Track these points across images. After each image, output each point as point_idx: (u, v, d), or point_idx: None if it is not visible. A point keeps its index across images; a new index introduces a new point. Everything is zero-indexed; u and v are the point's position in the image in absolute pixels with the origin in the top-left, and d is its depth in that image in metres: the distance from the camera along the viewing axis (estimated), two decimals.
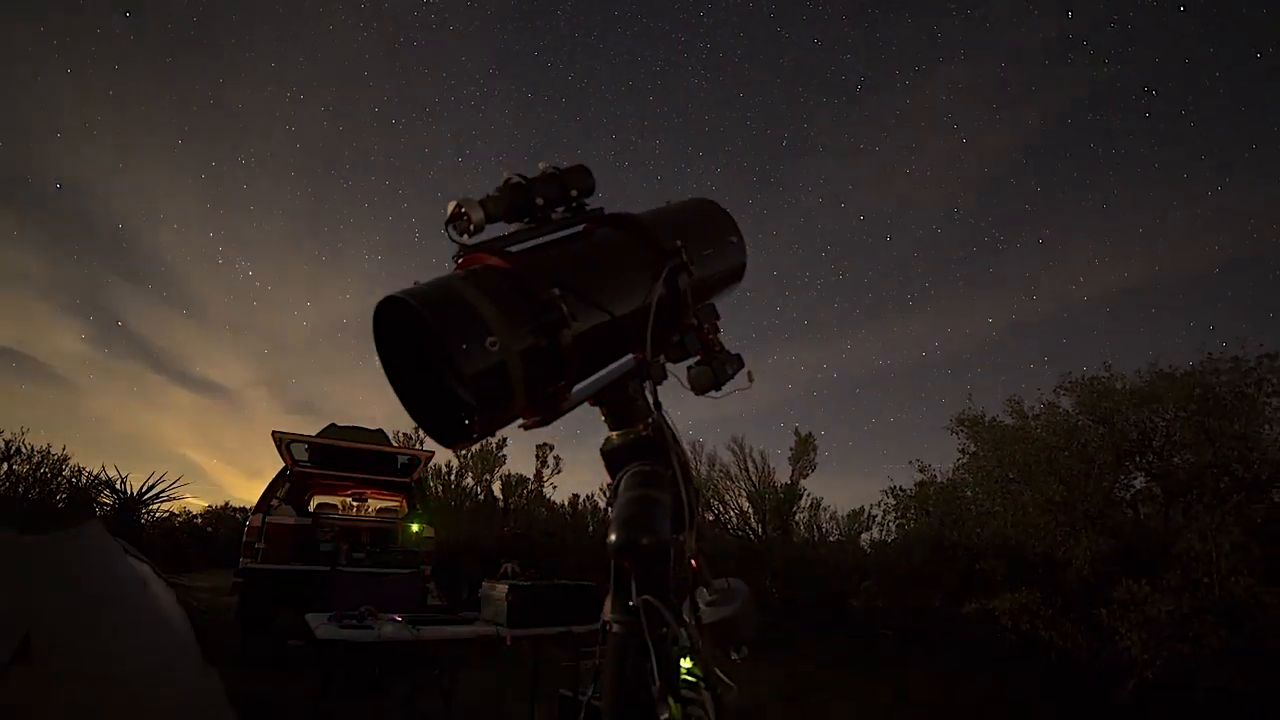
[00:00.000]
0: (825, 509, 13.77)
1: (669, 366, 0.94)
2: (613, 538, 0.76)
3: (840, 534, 13.57)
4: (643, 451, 0.88)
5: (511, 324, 0.72)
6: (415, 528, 7.83)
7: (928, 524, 9.17)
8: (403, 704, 4.96)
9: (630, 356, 0.89)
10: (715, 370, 0.95)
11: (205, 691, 3.50)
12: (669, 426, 0.89)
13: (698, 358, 0.96)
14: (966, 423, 8.53)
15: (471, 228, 0.78)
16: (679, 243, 0.92)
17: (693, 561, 0.89)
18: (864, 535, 13.34)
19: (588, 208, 0.92)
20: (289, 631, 6.54)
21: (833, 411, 25.69)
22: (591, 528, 15.28)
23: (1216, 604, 5.68)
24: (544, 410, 0.81)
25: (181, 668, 3.55)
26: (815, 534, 13.68)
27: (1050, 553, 6.87)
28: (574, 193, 0.90)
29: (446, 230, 0.79)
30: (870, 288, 24.68)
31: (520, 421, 0.81)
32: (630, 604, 0.75)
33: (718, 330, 1.00)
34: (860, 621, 10.36)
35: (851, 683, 7.19)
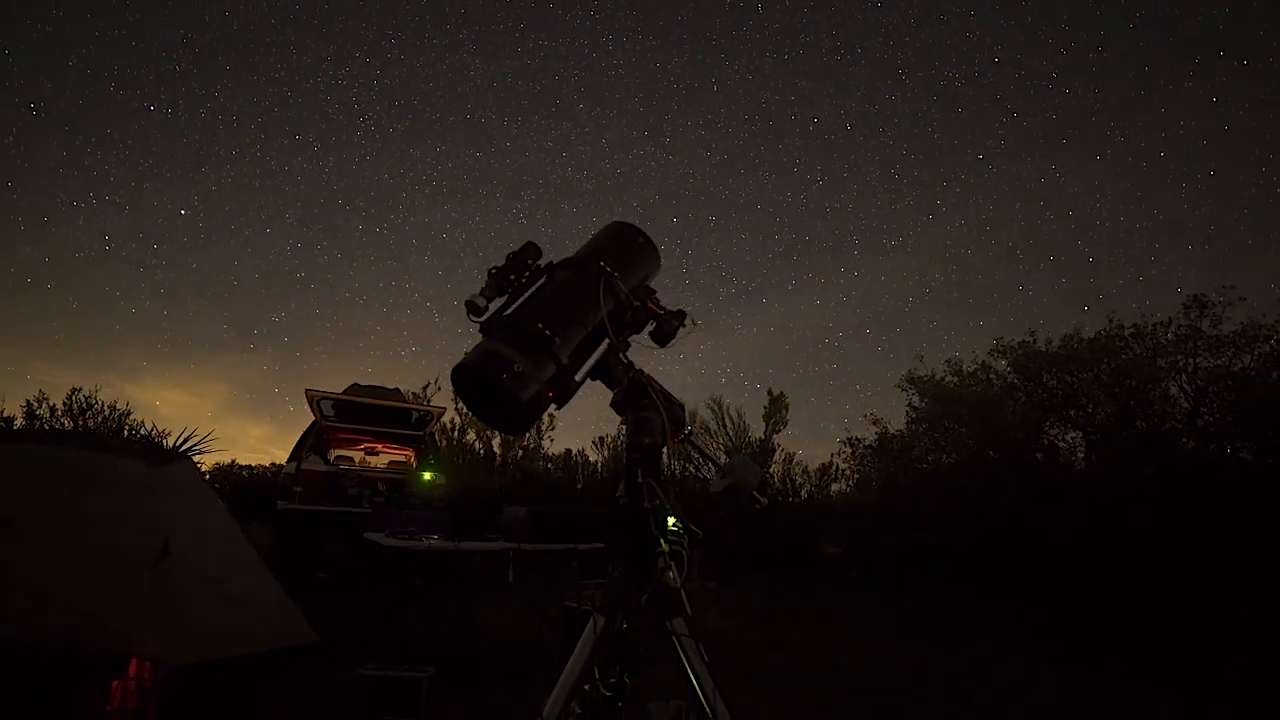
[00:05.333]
0: (798, 463, 14.95)
1: (634, 338, 1.27)
2: (626, 440, 1.12)
3: (811, 487, 14.75)
4: (634, 395, 1.20)
5: (522, 353, 1.08)
6: (428, 476, 8.71)
7: (880, 471, 10.30)
8: (431, 619, 5.89)
9: (606, 341, 1.22)
10: (664, 327, 1.24)
11: (278, 595, 4.44)
12: (645, 376, 1.22)
13: (653, 324, 1.26)
14: (915, 381, 9.59)
15: (480, 309, 1.18)
16: (602, 262, 1.25)
17: (679, 437, 1.22)
18: (833, 486, 14.54)
19: (542, 266, 1.28)
20: (318, 565, 7.48)
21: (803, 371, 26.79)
22: (581, 484, 16.23)
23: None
24: (561, 396, 1.17)
25: (264, 574, 4.48)
26: (789, 486, 14.82)
27: (979, 493, 7.99)
28: (530, 260, 1.26)
29: (469, 318, 1.18)
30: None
31: (552, 407, 1.18)
32: (637, 483, 1.05)
33: (658, 301, 1.31)
34: (826, 563, 11.55)
35: (818, 610, 8.22)
